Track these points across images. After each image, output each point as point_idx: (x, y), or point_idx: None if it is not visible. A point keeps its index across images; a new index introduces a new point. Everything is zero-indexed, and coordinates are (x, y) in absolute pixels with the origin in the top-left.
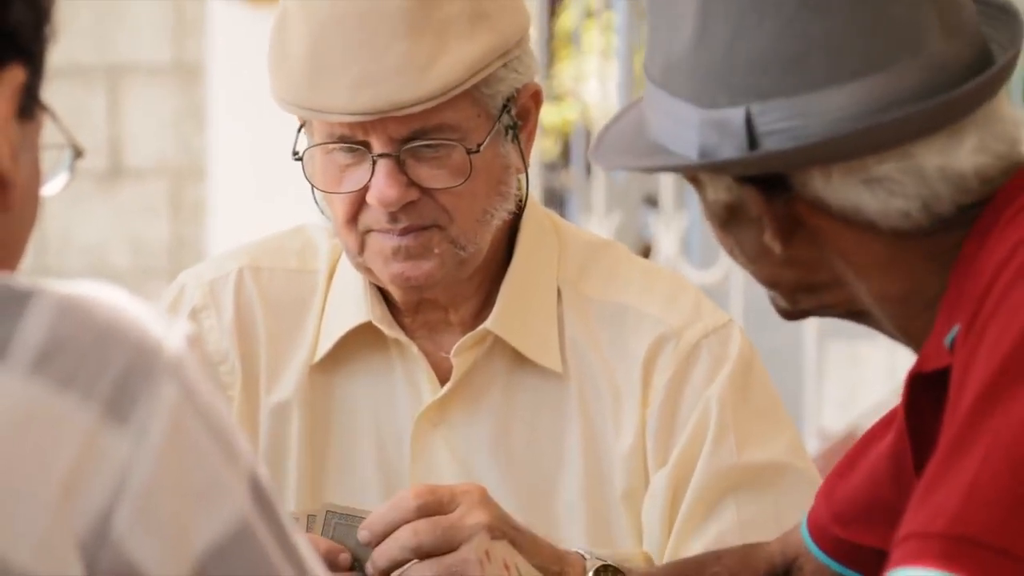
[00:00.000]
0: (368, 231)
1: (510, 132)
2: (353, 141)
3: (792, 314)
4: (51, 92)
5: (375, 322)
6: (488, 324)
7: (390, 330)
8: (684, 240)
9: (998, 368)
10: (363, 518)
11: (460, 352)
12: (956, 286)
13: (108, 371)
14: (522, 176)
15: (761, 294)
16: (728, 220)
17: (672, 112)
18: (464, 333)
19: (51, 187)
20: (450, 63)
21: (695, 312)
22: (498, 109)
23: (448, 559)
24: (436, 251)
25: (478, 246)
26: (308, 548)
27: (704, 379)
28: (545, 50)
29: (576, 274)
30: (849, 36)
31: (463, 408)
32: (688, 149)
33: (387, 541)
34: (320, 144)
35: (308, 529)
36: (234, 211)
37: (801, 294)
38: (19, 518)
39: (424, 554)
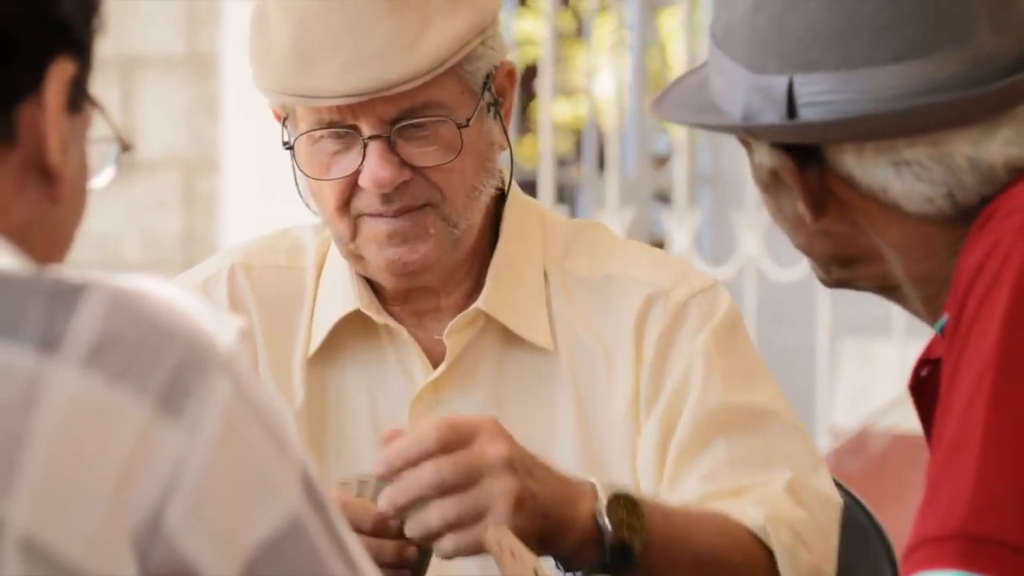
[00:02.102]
0: (360, 216)
1: (492, 109)
2: (342, 125)
3: (828, 283)
4: None
5: (363, 309)
6: (479, 303)
7: (379, 316)
8: (696, 237)
9: (985, 368)
10: None
11: (452, 333)
12: (955, 274)
13: (161, 365)
14: (505, 153)
15: (774, 293)
16: (770, 184)
17: (726, 73)
18: (454, 318)
19: (99, 180)
20: (436, 39)
21: (682, 275)
22: (479, 86)
23: (472, 494)
24: (432, 231)
25: (469, 223)
26: (356, 542)
27: (692, 334)
28: (554, 45)
29: (561, 255)
30: (895, 19)
31: (457, 388)
32: (735, 110)
33: (407, 477)
34: (308, 132)
35: (358, 494)
36: (247, 204)
37: (834, 265)
38: (73, 511)
39: (447, 490)
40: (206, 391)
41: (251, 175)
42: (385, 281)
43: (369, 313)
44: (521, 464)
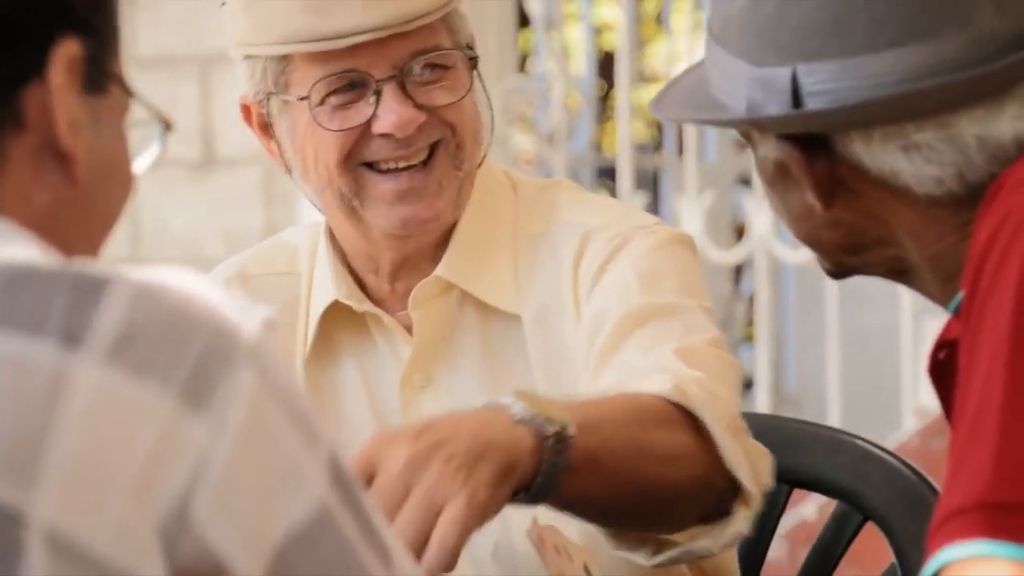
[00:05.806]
0: (361, 168)
1: (475, 69)
2: (355, 70)
3: (835, 273)
4: (142, 83)
5: (342, 299)
6: (439, 271)
7: (359, 304)
8: (777, 220)
9: (1000, 340)
10: None
11: (418, 305)
12: (968, 251)
13: (186, 357)
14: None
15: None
16: (776, 178)
17: (726, 68)
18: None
19: (142, 163)
20: None
21: (623, 214)
22: (464, 45)
23: (414, 504)
24: (443, 183)
25: (471, 167)
26: (390, 531)
27: (621, 260)
28: (632, 31)
29: (525, 217)
30: (893, 5)
31: (445, 365)
32: (738, 104)
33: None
34: (324, 79)
35: None
36: None
37: (842, 254)
38: (98, 504)
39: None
40: (231, 383)
41: None
42: (386, 241)
43: (349, 303)
44: (428, 442)
